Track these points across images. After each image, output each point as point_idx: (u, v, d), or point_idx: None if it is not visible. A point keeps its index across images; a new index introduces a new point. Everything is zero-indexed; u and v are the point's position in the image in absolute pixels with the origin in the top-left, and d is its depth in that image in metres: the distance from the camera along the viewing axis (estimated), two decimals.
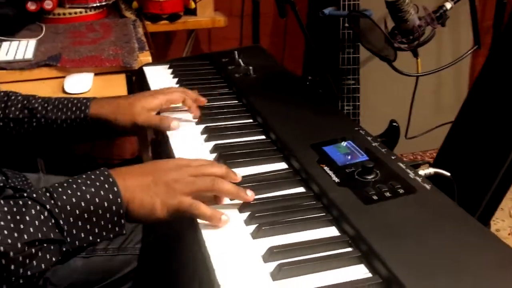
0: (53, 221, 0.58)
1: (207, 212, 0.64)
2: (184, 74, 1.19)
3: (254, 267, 0.58)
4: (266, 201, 0.70)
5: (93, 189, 0.62)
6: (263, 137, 0.88)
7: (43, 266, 0.57)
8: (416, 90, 1.39)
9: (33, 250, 0.56)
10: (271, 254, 0.59)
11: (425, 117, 1.56)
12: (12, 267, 0.55)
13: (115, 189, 0.63)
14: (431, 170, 0.75)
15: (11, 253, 0.54)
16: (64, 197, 0.60)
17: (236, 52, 1.24)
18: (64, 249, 0.59)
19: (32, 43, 1.33)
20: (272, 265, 0.58)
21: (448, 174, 0.76)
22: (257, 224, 0.64)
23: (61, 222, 0.59)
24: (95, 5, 1.58)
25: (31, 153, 1.32)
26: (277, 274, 0.56)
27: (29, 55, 1.26)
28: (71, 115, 0.88)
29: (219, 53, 1.29)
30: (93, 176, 0.63)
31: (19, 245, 0.55)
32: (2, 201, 0.58)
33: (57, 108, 0.89)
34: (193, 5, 1.70)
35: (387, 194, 0.67)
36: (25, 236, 0.55)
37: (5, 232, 0.55)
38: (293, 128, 0.89)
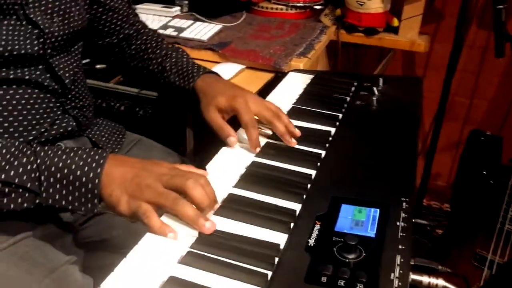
0: (37, 174, 0.66)
1: (155, 225, 0.63)
2: (314, 87, 1.14)
3: (149, 286, 0.56)
4: (228, 235, 0.64)
5: (81, 162, 0.67)
6: (310, 171, 0.80)
7: (12, 206, 0.66)
8: None
9: (7, 189, 0.65)
10: (168, 283, 0.56)
11: None
12: None
13: (98, 170, 0.67)
14: (440, 283, 0.57)
15: None
16: (55, 159, 0.67)
17: (381, 79, 1.13)
18: (37, 201, 0.67)
19: (217, 27, 1.47)
20: None
21: None
22: (189, 250, 0.61)
23: (42, 178, 0.66)
24: (297, 4, 1.63)
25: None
26: None
27: (205, 37, 1.40)
28: (180, 84, 0.96)
29: (369, 76, 1.20)
30: (92, 153, 0.69)
31: None
32: (17, 143, 0.68)
33: (178, 73, 0.98)
34: (396, 23, 1.59)
35: (341, 283, 0.54)
36: (3, 176, 0.64)
37: None
38: (345, 174, 0.78)
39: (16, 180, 0.65)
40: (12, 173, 0.65)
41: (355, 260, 0.58)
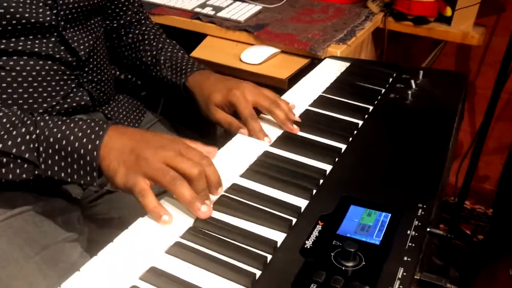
0: (36, 145, 0.64)
1: (150, 205, 0.61)
2: (348, 76, 1.08)
3: (130, 274, 0.53)
4: (223, 227, 0.60)
5: (80, 134, 0.65)
6: (326, 166, 0.74)
7: (10, 176, 0.65)
8: None
9: (5, 159, 0.64)
10: (148, 273, 0.53)
11: None
12: None
13: (97, 142, 0.64)
14: None
15: None
16: (54, 130, 0.65)
17: (421, 72, 1.06)
18: (36, 172, 0.65)
19: (256, 8, 1.42)
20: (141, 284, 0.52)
21: None
22: (178, 240, 0.57)
23: (41, 149, 0.64)
24: None
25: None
26: None
27: (242, 18, 1.35)
28: (172, 78, 0.94)
29: (410, 68, 1.11)
30: (92, 124, 0.66)
31: None
32: (19, 112, 0.66)
33: (172, 67, 0.95)
34: (449, 12, 1.48)
35: None
36: (0, 145, 0.63)
37: None
38: (363, 172, 0.72)
39: (14, 150, 0.64)
40: (10, 143, 0.63)
41: (352, 269, 0.53)
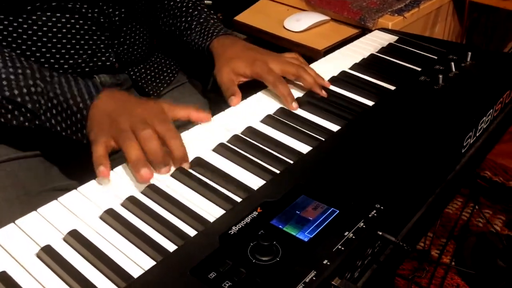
0: (39, 97, 0.69)
1: (95, 153, 0.63)
2: (387, 51, 0.99)
3: (55, 234, 0.55)
4: (164, 197, 0.60)
5: (76, 93, 0.70)
6: (305, 148, 0.70)
7: (14, 122, 0.69)
8: None
9: (10, 106, 0.68)
10: (73, 234, 0.54)
11: None
12: None
13: (88, 102, 0.69)
14: None
15: None
16: (56, 86, 0.70)
17: (470, 53, 0.93)
18: (37, 122, 0.70)
19: None
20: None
21: None
22: (111, 208, 0.58)
23: (42, 102, 0.69)
24: None
25: None
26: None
27: None
28: (198, 41, 0.93)
29: (462, 49, 0.98)
30: (90, 86, 0.70)
31: None
32: (36, 67, 0.70)
33: (200, 31, 0.94)
34: None
35: (226, 285, 0.47)
36: (7, 93, 0.68)
37: (3, 82, 0.68)
38: (342, 160, 0.66)
39: (19, 99, 0.68)
40: (17, 92, 0.68)
41: (263, 263, 0.50)
